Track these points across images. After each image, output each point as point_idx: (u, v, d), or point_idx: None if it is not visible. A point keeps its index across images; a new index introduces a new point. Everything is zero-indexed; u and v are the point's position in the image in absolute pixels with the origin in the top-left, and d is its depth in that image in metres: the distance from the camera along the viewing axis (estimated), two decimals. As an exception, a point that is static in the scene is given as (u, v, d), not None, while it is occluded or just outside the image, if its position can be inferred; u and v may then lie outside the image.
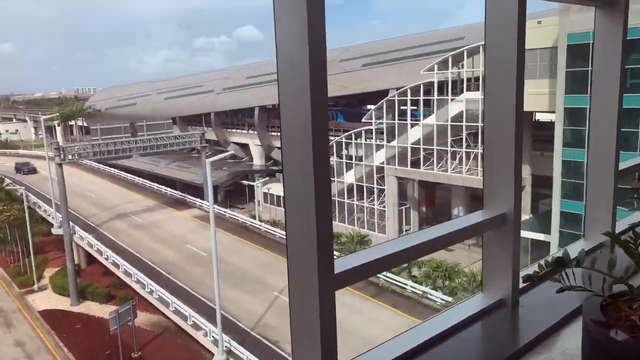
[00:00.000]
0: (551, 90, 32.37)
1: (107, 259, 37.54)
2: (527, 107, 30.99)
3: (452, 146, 41.19)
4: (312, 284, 1.67)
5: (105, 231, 43.86)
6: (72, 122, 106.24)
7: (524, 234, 37.36)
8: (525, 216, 40.13)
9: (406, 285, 29.35)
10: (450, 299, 26.80)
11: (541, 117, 43.46)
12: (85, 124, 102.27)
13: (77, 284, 39.52)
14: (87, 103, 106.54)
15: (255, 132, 67.59)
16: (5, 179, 64.49)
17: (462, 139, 40.62)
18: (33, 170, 68.48)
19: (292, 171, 1.66)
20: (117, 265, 35.90)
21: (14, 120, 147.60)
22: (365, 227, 47.76)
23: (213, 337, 25.31)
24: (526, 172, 40.10)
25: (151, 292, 31.25)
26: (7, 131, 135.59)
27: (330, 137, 56.00)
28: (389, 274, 30.69)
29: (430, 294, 28.05)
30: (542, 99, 33.38)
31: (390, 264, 2.11)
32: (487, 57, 2.68)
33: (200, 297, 30.31)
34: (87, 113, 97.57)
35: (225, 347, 23.83)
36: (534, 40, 33.51)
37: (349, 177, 49.73)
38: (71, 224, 41.44)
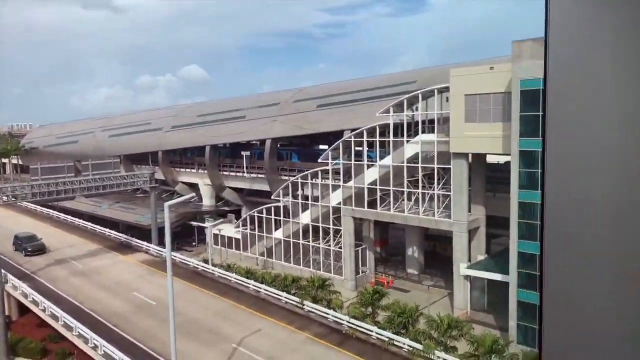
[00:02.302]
0: (504, 133, 33.24)
1: (44, 310, 34.31)
2: (481, 150, 31.51)
3: (408, 187, 41.38)
4: None
5: (43, 279, 40.38)
6: (6, 160, 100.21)
7: (480, 274, 37.57)
8: (481, 256, 40.52)
9: (371, 331, 28.33)
10: (419, 345, 25.95)
11: (490, 159, 44.74)
12: (20, 162, 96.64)
13: (7, 339, 35.78)
14: (23, 140, 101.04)
15: (206, 172, 65.83)
16: None
17: (417, 180, 40.94)
18: (40, 249, 47.09)
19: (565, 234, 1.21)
20: (55, 318, 32.81)
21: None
22: (321, 268, 46.73)
23: (167, 397, 23.19)
24: (480, 212, 40.79)
25: (95, 347, 28.56)
26: None
27: (285, 177, 55.46)
28: (352, 320, 29.67)
29: (397, 341, 27.10)
30: (496, 141, 34.21)
31: None
32: None
33: (151, 351, 27.96)
34: (23, 151, 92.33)
35: (181, 408, 21.78)
36: (487, 85, 34.70)
37: (305, 218, 48.89)
38: (2, 271, 37.82)
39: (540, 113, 29.96)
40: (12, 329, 38.68)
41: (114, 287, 38.23)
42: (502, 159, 43.68)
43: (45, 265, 43.72)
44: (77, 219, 60.43)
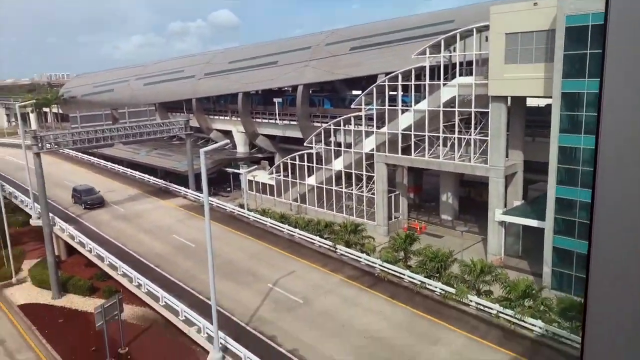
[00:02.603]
0: (546, 74, 31.76)
1: (90, 251, 36.03)
2: (521, 92, 30.18)
3: (444, 132, 40.54)
4: None
5: (87, 222, 42.22)
6: (47, 109, 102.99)
7: (515, 219, 37.08)
8: (517, 202, 39.89)
9: (403, 275, 28.67)
10: (451, 289, 26.15)
11: (530, 102, 43.13)
12: (60, 111, 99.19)
13: (58, 277, 38.08)
14: (61, 90, 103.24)
15: (239, 119, 66.09)
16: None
17: (453, 125, 40.00)
18: (99, 202, 46.65)
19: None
20: (101, 258, 34.47)
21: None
22: (354, 214, 47.08)
23: (207, 333, 24.28)
24: (518, 158, 39.82)
25: (139, 285, 30.00)
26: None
27: (317, 124, 55.12)
28: (385, 263, 30.03)
29: (429, 284, 27.39)
30: (538, 83, 32.79)
31: None
32: None
33: (191, 290, 29.19)
34: (62, 100, 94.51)
35: (221, 344, 22.81)
36: (530, 22, 32.90)
37: (338, 164, 48.88)
38: (50, 214, 39.70)
39: (589, 51, 28.37)
40: (62, 268, 41.03)
41: (155, 230, 39.66)
42: (543, 102, 42.04)
43: (90, 209, 45.57)
44: (116, 165, 62.24)
